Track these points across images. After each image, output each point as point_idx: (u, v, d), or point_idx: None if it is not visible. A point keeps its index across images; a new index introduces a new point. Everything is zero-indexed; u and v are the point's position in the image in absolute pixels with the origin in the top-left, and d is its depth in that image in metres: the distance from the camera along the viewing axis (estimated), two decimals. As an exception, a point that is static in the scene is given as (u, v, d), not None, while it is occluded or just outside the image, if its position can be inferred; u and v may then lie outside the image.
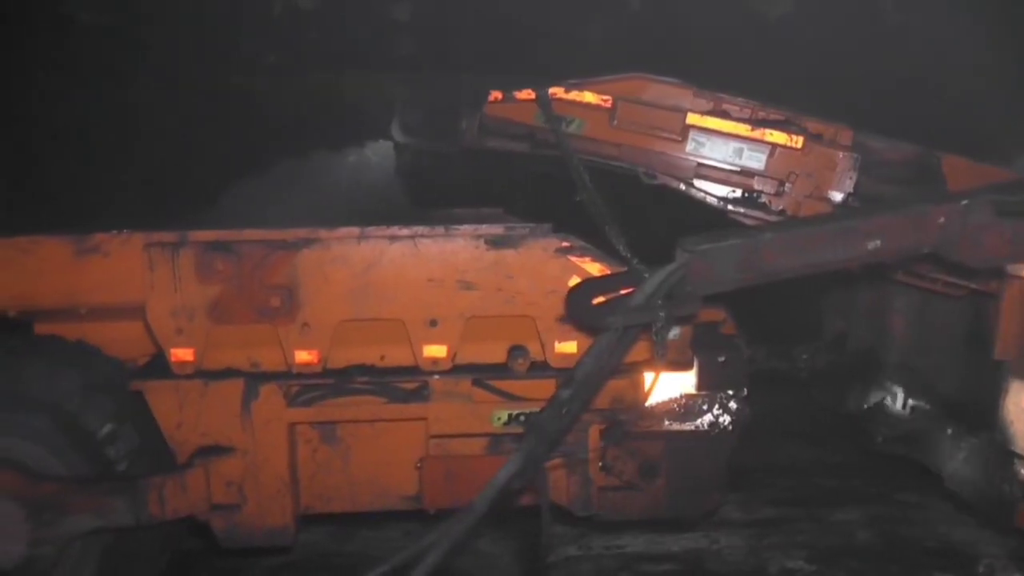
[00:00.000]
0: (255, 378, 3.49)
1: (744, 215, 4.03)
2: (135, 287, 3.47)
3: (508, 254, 3.46)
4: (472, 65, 5.40)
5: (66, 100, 5.46)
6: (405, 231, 3.47)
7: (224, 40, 5.57)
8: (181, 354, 3.48)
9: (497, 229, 3.48)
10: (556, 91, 4.12)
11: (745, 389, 3.45)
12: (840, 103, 4.59)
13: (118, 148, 5.56)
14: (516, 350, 3.50)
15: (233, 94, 5.79)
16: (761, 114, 3.96)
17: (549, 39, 5.45)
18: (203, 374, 3.49)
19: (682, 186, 4.03)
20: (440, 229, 3.48)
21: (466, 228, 3.47)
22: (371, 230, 3.47)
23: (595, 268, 3.47)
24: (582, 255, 3.45)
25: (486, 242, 3.46)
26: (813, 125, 3.95)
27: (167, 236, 3.47)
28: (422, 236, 3.45)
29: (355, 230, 3.47)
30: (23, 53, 5.46)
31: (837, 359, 4.54)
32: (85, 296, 3.50)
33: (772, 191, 3.97)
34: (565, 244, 3.45)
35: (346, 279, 3.44)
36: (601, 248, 3.58)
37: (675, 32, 5.54)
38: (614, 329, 2.82)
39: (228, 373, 3.51)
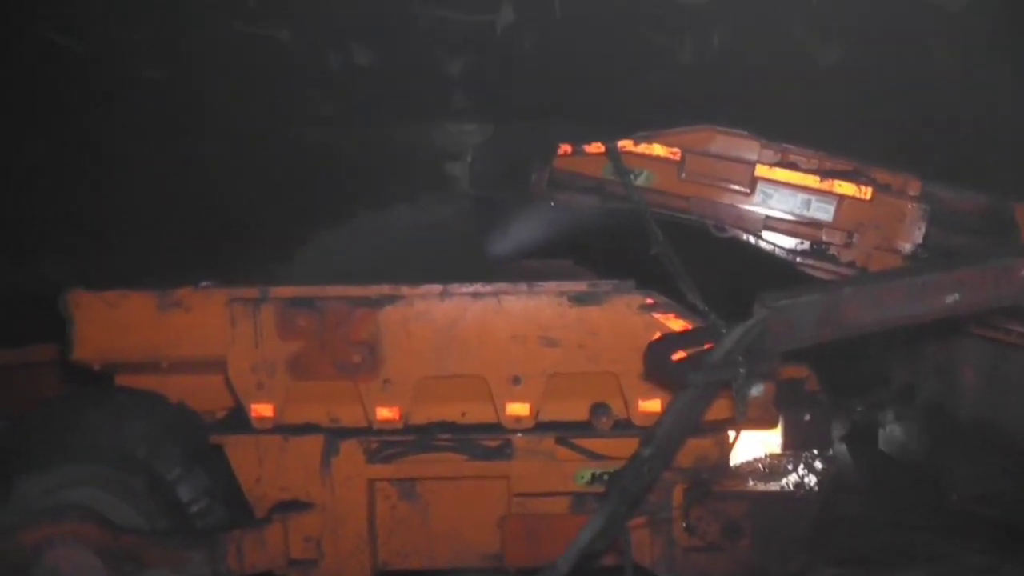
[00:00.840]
0: (335, 434, 3.50)
1: (813, 267, 4.01)
2: (216, 342, 3.50)
3: (592, 311, 3.46)
4: (530, 117, 5.46)
5: (131, 156, 5.47)
6: (488, 288, 3.47)
7: (287, 95, 5.61)
8: (261, 409, 3.49)
9: (581, 286, 3.48)
10: (625, 144, 4.12)
11: (831, 448, 3.39)
12: (900, 151, 4.56)
13: (191, 200, 5.59)
14: (599, 408, 3.49)
15: (298, 147, 5.81)
16: (828, 165, 3.96)
17: (603, 90, 5.47)
18: (283, 429, 3.50)
19: (751, 238, 3.99)
20: (523, 286, 3.47)
21: (550, 285, 3.47)
22: (454, 287, 3.46)
23: (679, 325, 3.45)
24: (666, 312, 3.44)
25: (570, 299, 3.45)
26: (881, 175, 3.95)
27: (249, 292, 3.50)
28: (505, 293, 3.46)
29: (437, 287, 3.47)
30: (95, 115, 5.52)
31: (904, 411, 4.48)
32: (167, 350, 3.54)
33: (841, 243, 3.96)
34: (649, 301, 3.44)
35: (428, 335, 3.45)
36: (679, 302, 3.58)
37: (729, 82, 5.54)
38: (694, 386, 2.78)
39: (308, 428, 3.52)
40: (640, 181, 4.09)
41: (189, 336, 3.48)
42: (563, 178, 4.23)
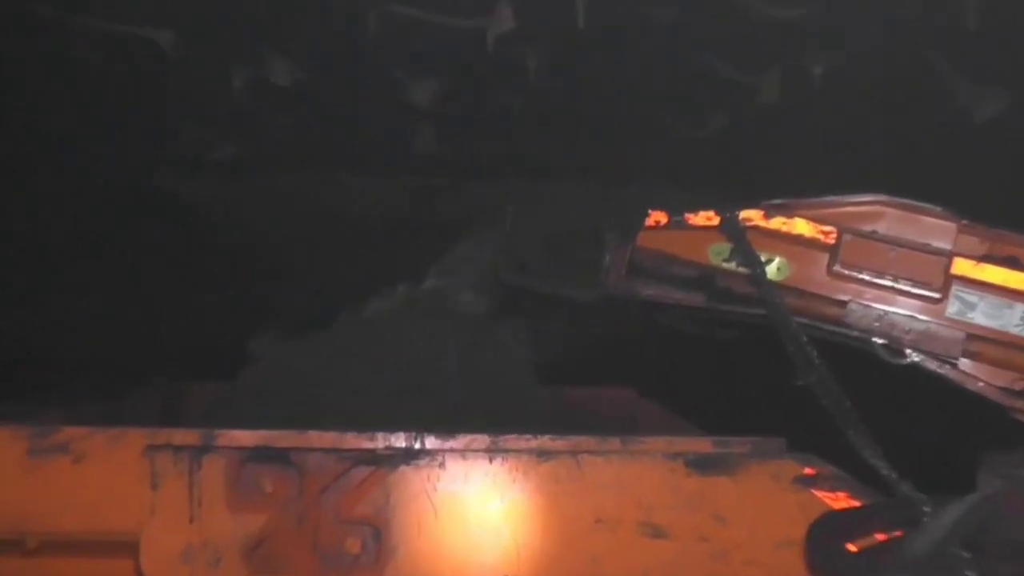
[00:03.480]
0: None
1: (1038, 415, 3.85)
2: (124, 512, 3.33)
3: (720, 484, 3.33)
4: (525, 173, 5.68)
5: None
6: (561, 443, 3.34)
7: (160, 124, 5.49)
8: (195, 621, 3.28)
9: (702, 444, 3.38)
10: (751, 216, 4.01)
11: None
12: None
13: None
14: (730, 637, 3.31)
15: (169, 204, 5.77)
16: (1067, 263, 3.80)
17: (648, 135, 5.34)
18: (229, 659, 3.30)
19: (942, 368, 3.79)
20: (615, 442, 3.36)
21: (655, 441, 3.40)
22: (509, 440, 3.34)
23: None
24: (834, 487, 3.32)
25: (687, 464, 3.33)
26: None
27: (183, 435, 3.35)
28: (588, 452, 3.32)
29: (484, 438, 3.34)
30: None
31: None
32: (38, 520, 3.35)
33: (1085, 381, 3.81)
34: (808, 471, 3.32)
35: (466, 515, 3.31)
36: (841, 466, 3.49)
37: (835, 131, 5.42)
38: (886, 593, 2.60)
39: (271, 661, 3.31)
40: (772, 273, 3.98)
41: (77, 500, 3.33)
42: (650, 263, 4.14)
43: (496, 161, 5.92)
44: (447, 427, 3.45)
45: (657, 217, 4.15)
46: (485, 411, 4.12)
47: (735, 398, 5.09)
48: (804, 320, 3.99)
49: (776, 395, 3.94)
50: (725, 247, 4.07)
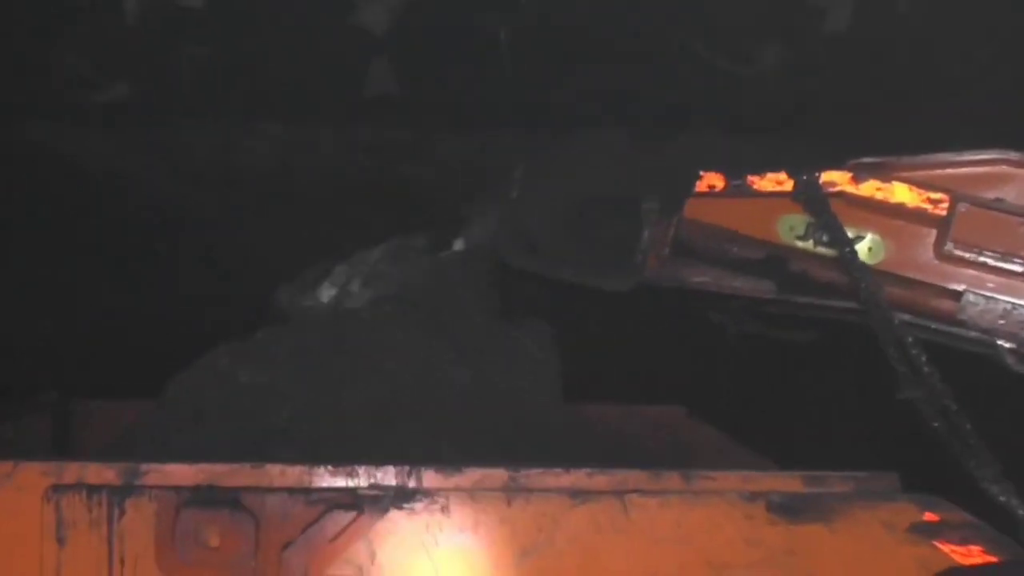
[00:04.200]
0: None
1: None
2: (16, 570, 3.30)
3: (813, 534, 3.31)
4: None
5: None
6: (601, 479, 3.32)
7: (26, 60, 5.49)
8: None
9: (790, 482, 3.37)
10: (834, 179, 4.06)
11: None
12: None
13: None
14: None
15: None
16: None
17: (683, 71, 5.37)
18: None
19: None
20: (673, 477, 3.33)
21: (727, 478, 3.37)
22: (533, 475, 3.30)
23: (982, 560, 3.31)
24: (964, 539, 3.28)
25: (770, 508, 3.31)
26: None
27: (98, 471, 3.32)
28: (638, 492, 3.31)
29: (499, 473, 3.31)
30: None
31: None
32: None
33: None
34: (929, 516, 3.29)
35: (479, 572, 3.27)
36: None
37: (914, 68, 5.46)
38: None
39: None
40: (863, 254, 4.02)
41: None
42: (701, 241, 4.21)
43: (478, 106, 5.88)
44: (450, 459, 3.46)
45: (710, 180, 4.19)
46: (498, 438, 4.10)
47: (814, 419, 5.10)
48: (906, 316, 3.99)
49: (869, 414, 3.94)
50: (800, 220, 4.10)
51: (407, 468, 3.34)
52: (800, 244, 4.08)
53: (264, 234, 6.28)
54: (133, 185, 6.37)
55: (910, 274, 4.01)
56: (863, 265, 3.91)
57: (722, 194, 4.15)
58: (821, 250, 4.05)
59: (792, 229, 4.09)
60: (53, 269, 6.25)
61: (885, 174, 4.02)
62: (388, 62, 5.73)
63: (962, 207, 3.94)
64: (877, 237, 4.04)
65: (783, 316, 4.21)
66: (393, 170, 6.24)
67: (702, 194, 4.16)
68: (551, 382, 4.66)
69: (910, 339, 3.78)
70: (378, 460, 3.38)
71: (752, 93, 5.23)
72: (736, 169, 4.13)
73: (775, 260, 4.12)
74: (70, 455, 4.55)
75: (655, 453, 4.69)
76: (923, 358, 3.74)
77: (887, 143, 4.04)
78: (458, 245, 4.89)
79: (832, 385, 4.89)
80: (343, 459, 3.40)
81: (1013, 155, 3.93)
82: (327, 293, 4.76)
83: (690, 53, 5.47)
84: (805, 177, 4.01)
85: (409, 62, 5.71)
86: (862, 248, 4.02)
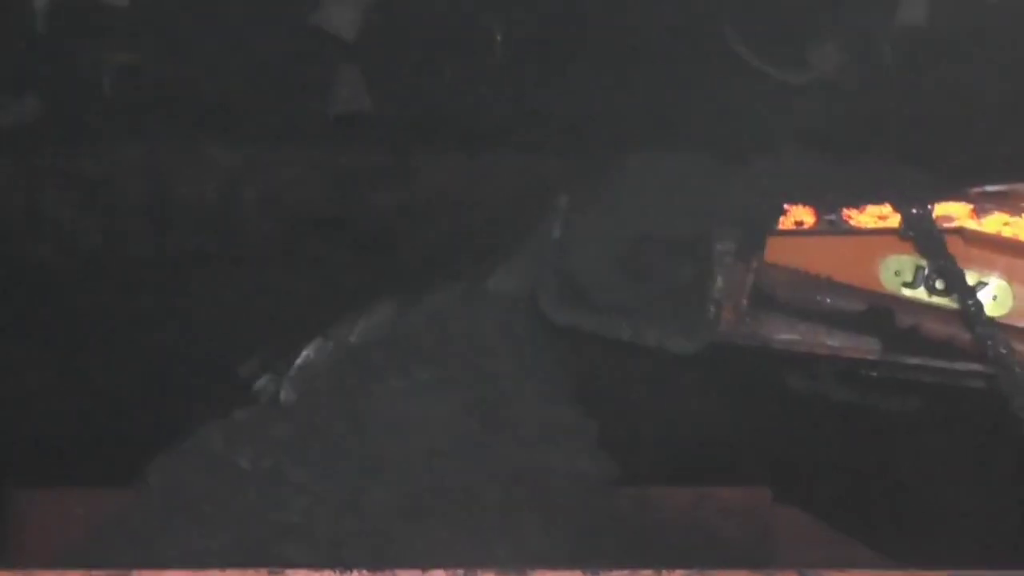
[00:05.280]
0: None
1: None
2: None
3: None
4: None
5: None
6: None
7: None
8: None
9: None
10: (951, 212, 3.96)
11: None
12: None
13: None
14: None
15: None
16: None
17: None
18: None
19: None
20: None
21: None
22: None
23: None
24: None
25: None
26: None
27: None
28: None
29: None
30: None
31: None
32: None
33: None
34: None
35: None
36: None
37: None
38: None
39: None
40: (989, 304, 3.98)
41: None
42: (786, 289, 4.16)
43: (469, 123, 5.74)
44: (504, 558, 3.56)
45: (798, 215, 4.09)
46: (554, 529, 4.08)
47: (925, 503, 4.97)
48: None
49: (993, 496, 3.80)
50: (909, 262, 4.10)
51: (461, 572, 3.19)
52: (909, 292, 4.07)
53: (207, 282, 6.07)
54: (48, 224, 6.14)
55: (1043, 331, 4.00)
56: (988, 318, 3.85)
57: (812, 231, 4.07)
58: (935, 300, 4.04)
59: (899, 274, 4.08)
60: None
61: (1014, 205, 3.98)
62: (356, 72, 5.53)
63: (1112, 249, 3.99)
64: (1004, 282, 4.05)
65: (885, 382, 4.06)
66: (363, 201, 6.02)
67: (787, 232, 4.08)
68: (609, 462, 4.63)
69: None
70: (423, 562, 3.24)
71: (838, 104, 5.07)
72: (828, 201, 4.05)
73: (879, 312, 4.07)
74: (17, 556, 4.31)
75: (734, 544, 4.53)
76: None
77: (1015, 167, 4.01)
78: (491, 292, 4.70)
79: (947, 463, 4.74)
80: (373, 562, 3.42)
81: None
82: (319, 360, 4.55)
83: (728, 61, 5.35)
84: (915, 210, 3.94)
85: (380, 71, 5.51)
86: (986, 296, 4.01)
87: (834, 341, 4.12)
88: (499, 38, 5.17)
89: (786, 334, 4.13)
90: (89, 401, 5.89)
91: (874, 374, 4.28)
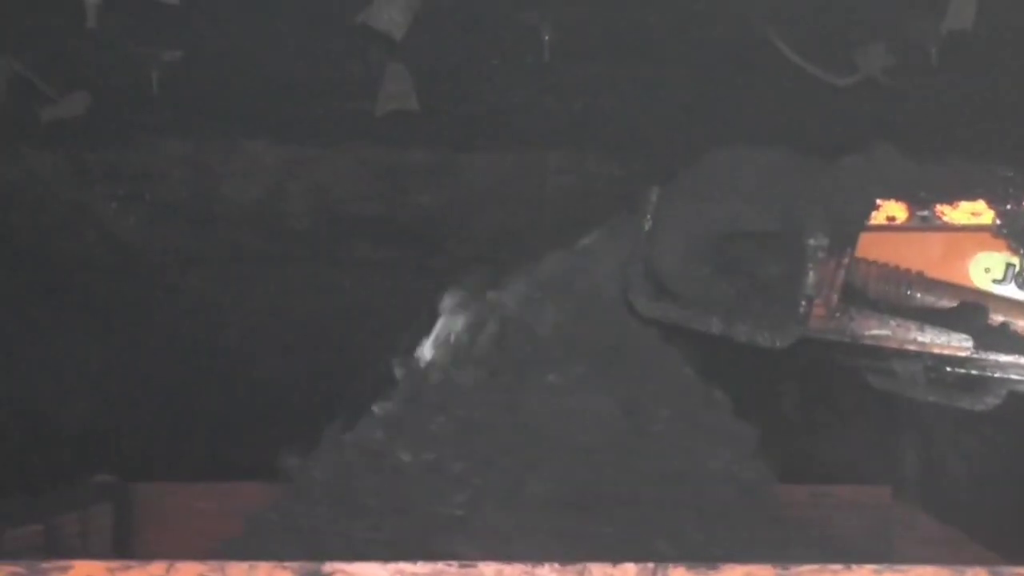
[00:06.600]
0: None
1: None
2: None
3: None
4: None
5: None
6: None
7: None
8: None
9: None
10: None
11: None
12: None
13: None
14: None
15: None
16: None
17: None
18: None
19: None
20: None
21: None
22: (805, 571, 3.01)
23: None
24: None
25: None
26: None
27: (270, 571, 2.98)
28: None
29: (767, 570, 2.99)
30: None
31: None
32: None
33: None
34: None
35: None
36: None
37: None
38: None
39: None
40: None
41: None
42: (878, 285, 4.13)
43: (513, 122, 5.72)
44: (666, 554, 3.49)
45: (890, 211, 4.10)
46: (704, 524, 4.08)
47: None
48: None
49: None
50: (1001, 260, 4.06)
51: (651, 567, 3.00)
52: (1001, 289, 4.00)
53: (250, 278, 6.05)
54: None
55: None
56: None
57: (904, 227, 4.05)
58: None
59: (989, 271, 4.02)
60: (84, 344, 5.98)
61: None
62: (406, 70, 5.52)
63: None
64: None
65: (978, 381, 4.09)
66: (408, 199, 6.01)
67: (879, 227, 4.06)
68: (751, 459, 4.67)
69: None
70: (612, 556, 3.03)
71: (931, 102, 5.11)
72: (922, 196, 4.03)
73: (971, 309, 4.02)
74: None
75: (856, 544, 4.53)
76: None
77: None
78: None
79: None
80: (531, 555, 3.17)
81: None
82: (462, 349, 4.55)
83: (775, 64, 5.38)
84: (1009, 206, 3.92)
85: (426, 71, 5.52)
86: None
87: (925, 337, 4.10)
88: (546, 37, 5.21)
89: (876, 330, 4.09)
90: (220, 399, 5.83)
91: (962, 371, 4.31)
